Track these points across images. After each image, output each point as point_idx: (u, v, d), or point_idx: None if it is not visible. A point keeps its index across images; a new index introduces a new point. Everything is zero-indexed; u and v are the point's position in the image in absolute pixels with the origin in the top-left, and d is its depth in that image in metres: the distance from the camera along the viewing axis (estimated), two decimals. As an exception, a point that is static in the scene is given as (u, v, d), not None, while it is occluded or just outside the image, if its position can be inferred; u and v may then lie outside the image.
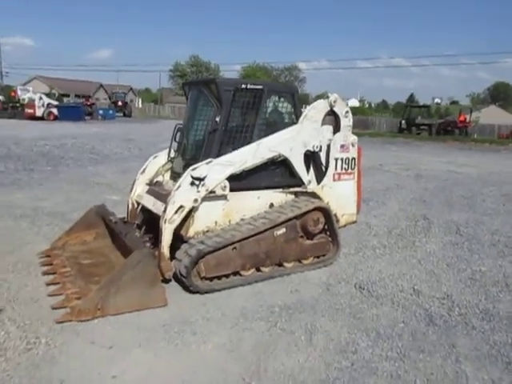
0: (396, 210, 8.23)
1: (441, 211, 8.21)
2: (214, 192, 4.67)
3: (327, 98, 5.33)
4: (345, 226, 5.78)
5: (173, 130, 5.42)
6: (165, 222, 4.45)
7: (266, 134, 5.01)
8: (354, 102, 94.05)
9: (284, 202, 5.24)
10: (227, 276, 4.71)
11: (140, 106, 58.53)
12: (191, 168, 4.56)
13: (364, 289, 4.69)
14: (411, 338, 3.72)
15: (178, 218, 4.50)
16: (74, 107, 33.99)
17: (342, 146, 5.52)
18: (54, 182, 10.27)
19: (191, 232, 4.71)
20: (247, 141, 4.91)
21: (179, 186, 4.51)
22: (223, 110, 4.75)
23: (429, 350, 3.53)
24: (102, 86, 64.36)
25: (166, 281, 4.58)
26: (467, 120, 29.75)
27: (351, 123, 5.58)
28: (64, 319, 3.81)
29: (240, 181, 4.90)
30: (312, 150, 5.25)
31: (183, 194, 4.50)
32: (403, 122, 30.90)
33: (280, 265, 5.07)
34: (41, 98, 32.81)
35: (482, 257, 5.76)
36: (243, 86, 4.84)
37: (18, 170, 11.70)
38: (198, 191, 4.56)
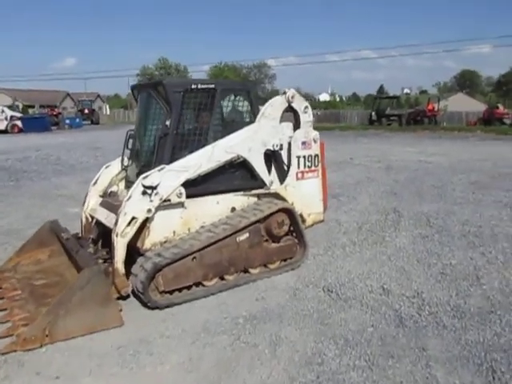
0: (366, 205, 8.10)
1: (411, 203, 8.12)
2: (168, 200, 4.40)
3: (284, 93, 5.12)
4: (312, 225, 5.59)
5: (125, 137, 5.13)
6: (116, 236, 4.15)
7: (223, 136, 4.77)
8: (325, 96, 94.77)
9: (246, 206, 5.01)
10: (189, 288, 4.45)
11: (108, 112, 57.34)
12: (142, 176, 4.27)
13: (332, 292, 4.50)
14: (380, 343, 3.54)
15: (131, 231, 4.21)
16: (38, 118, 33.00)
17: (304, 143, 5.32)
18: (15, 198, 9.79)
19: (147, 244, 4.43)
20: (202, 144, 4.65)
21: (130, 197, 4.22)
22: (173, 112, 4.48)
23: (398, 355, 3.35)
24: (68, 94, 62.88)
25: (123, 298, 4.30)
26: (435, 109, 30.11)
27: (311, 118, 5.38)
28: (8, 350, 3.48)
29: (197, 186, 4.64)
30: (272, 148, 5.03)
31: (135, 205, 4.22)
32: (373, 113, 31.05)
33: (245, 271, 4.84)
34: (3, 111, 31.73)
35: (453, 249, 5.65)
36: (193, 86, 4.57)
37: (-25, 187, 11.14)
38: (151, 200, 4.28)
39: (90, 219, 5.16)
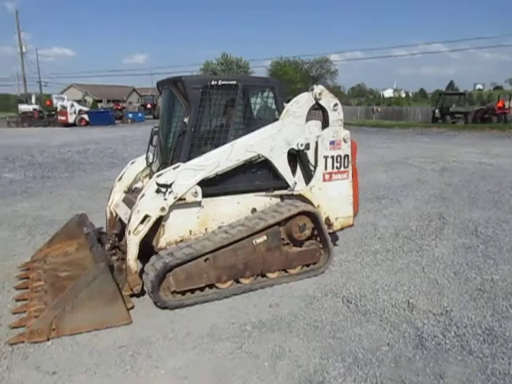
0: (410, 209, 7.58)
1: (460, 209, 7.48)
2: (184, 199, 4.32)
3: (312, 90, 4.85)
4: (341, 229, 5.29)
5: (150, 133, 5.12)
6: (129, 234, 4.14)
7: (245, 134, 4.61)
8: (390, 93, 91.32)
9: (267, 207, 4.82)
10: (202, 289, 4.35)
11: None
12: (156, 174, 4.22)
13: (351, 303, 4.20)
14: (393, 365, 3.22)
15: (144, 229, 4.18)
16: (103, 112, 34.73)
17: (332, 143, 5.02)
18: (65, 189, 10.28)
19: (162, 242, 4.38)
20: (222, 142, 4.52)
21: (143, 195, 4.19)
22: (191, 109, 4.38)
23: (410, 381, 3.02)
24: (134, 90, 65.61)
25: (137, 295, 4.30)
26: (506, 106, 27.83)
27: (341, 117, 5.06)
28: (16, 341, 3.58)
29: (215, 185, 4.53)
30: (297, 148, 4.79)
31: (148, 203, 4.17)
32: (437, 111, 29.33)
33: (263, 275, 4.66)
34: (72, 105, 33.71)
35: (498, 263, 5.09)
36: (213, 82, 4.44)
37: (35, 178, 11.84)
38: (165, 199, 4.22)
39: (114, 214, 5.22)
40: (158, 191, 4.19)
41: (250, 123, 4.75)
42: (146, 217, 4.17)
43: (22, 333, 3.64)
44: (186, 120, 4.40)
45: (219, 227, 4.59)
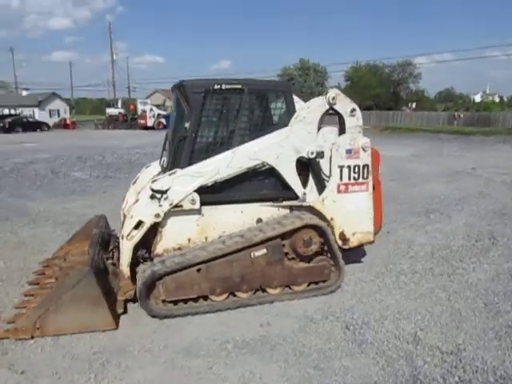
0: (459, 225, 6.79)
1: (520, 228, 6.55)
2: (180, 206, 4.20)
3: (326, 94, 4.49)
4: (359, 246, 4.83)
5: (164, 138, 5.09)
6: (122, 238, 4.11)
7: (251, 140, 4.39)
8: (477, 98, 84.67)
9: (273, 218, 4.54)
10: (195, 300, 4.20)
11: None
12: (152, 179, 4.16)
13: (350, 329, 3.78)
14: (368, 409, 2.81)
15: (138, 234, 4.12)
16: (179, 116, 36.18)
17: (349, 151, 4.60)
18: (118, 190, 10.71)
19: (159, 249, 4.31)
20: (226, 149, 4.33)
21: (137, 200, 4.14)
22: (192, 114, 4.25)
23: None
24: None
25: (135, 300, 4.26)
26: None
27: (360, 123, 4.63)
28: (2, 336, 3.69)
29: (216, 193, 4.36)
30: (307, 156, 4.46)
31: (142, 209, 4.12)
32: (529, 117, 26.55)
33: (263, 290, 4.39)
34: (151, 110, 35.65)
35: (544, 297, 4.32)
36: (216, 86, 4.27)
37: (98, 177, 12.56)
38: (160, 205, 4.13)
39: (127, 217, 5.26)
40: (152, 197, 4.11)
41: (258, 129, 4.51)
42: (140, 222, 4.12)
43: (9, 329, 3.74)
44: (186, 125, 4.29)
45: (220, 236, 4.41)
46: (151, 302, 4.05)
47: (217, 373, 3.23)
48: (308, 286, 4.52)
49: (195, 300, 4.20)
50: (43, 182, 11.81)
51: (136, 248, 4.18)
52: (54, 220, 7.66)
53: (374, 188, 4.79)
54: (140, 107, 36.73)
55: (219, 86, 4.28)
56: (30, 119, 39.46)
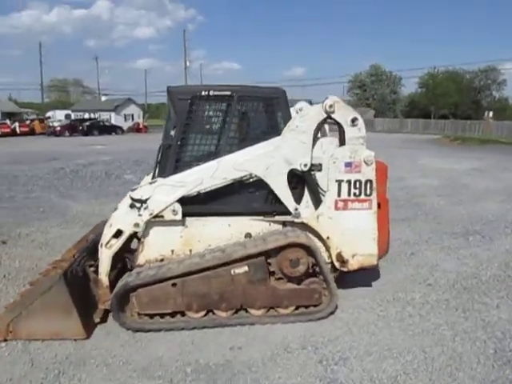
0: (499, 252, 5.97)
1: None
2: (161, 216, 4.06)
3: (323, 101, 4.12)
4: (360, 269, 4.37)
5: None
6: (101, 247, 4.06)
7: (241, 150, 4.15)
8: None
9: (263, 234, 4.25)
10: (173, 315, 4.03)
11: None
12: (132, 188, 4.06)
13: (323, 364, 3.38)
14: None
15: (117, 243, 4.05)
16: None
17: (349, 165, 4.19)
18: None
19: (141, 259, 4.21)
20: (213, 158, 4.14)
21: (116, 209, 4.06)
22: (178, 121, 4.11)
23: None
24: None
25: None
26: None
27: (363, 134, 4.20)
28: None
29: (201, 204, 4.17)
30: (300, 169, 4.12)
31: (121, 217, 4.04)
32: None
33: (246, 310, 4.11)
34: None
35: None
36: (204, 93, 4.09)
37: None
38: (140, 214, 4.02)
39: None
40: (132, 206, 4.02)
41: (248, 139, 4.26)
42: (119, 231, 4.04)
43: (-14, 329, 3.81)
44: (172, 133, 4.16)
45: (205, 249, 4.21)
46: (127, 313, 3.95)
47: (161, 399, 3.02)
48: (297, 309, 4.16)
49: (172, 315, 4.03)
50: (94, 184, 12.41)
51: (116, 257, 4.12)
52: (85, 221, 7.92)
53: (379, 206, 4.32)
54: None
55: (207, 93, 4.10)
56: (106, 123, 42.24)
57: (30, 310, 3.74)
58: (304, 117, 4.10)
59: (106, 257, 4.04)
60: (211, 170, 4.04)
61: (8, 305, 4.25)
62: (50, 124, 42.09)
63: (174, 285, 3.92)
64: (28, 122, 40.87)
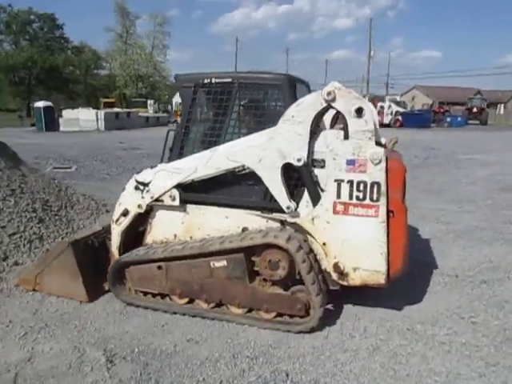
0: None
1: None
2: (161, 201, 4.21)
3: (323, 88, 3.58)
4: (365, 287, 3.74)
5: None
6: (112, 222, 4.44)
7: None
8: None
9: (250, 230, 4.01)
10: (163, 297, 4.17)
11: (502, 112, 51.18)
12: (137, 171, 4.30)
13: None
14: None
15: (125, 221, 4.37)
16: (418, 114, 33.79)
17: (351, 163, 3.58)
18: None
19: (149, 239, 4.44)
20: (214, 145, 4.07)
21: (124, 189, 4.36)
22: (182, 108, 4.16)
23: None
24: (479, 92, 59.82)
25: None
26: None
27: (370, 127, 3.50)
28: (15, 283, 4.55)
29: (198, 192, 4.15)
30: (294, 163, 3.70)
31: (127, 197, 4.32)
32: None
33: (227, 307, 3.96)
34: (390, 106, 34.45)
35: None
36: (206, 80, 4.02)
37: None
38: (143, 197, 4.24)
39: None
40: (136, 188, 4.26)
41: (249, 127, 4.02)
42: (127, 210, 4.34)
43: (19, 278, 4.60)
44: (178, 120, 4.23)
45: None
46: (125, 287, 4.25)
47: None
48: (279, 316, 3.80)
49: (162, 297, 4.17)
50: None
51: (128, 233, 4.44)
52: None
53: (392, 214, 3.58)
54: (379, 103, 35.98)
55: (209, 80, 4.02)
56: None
57: (49, 268, 4.37)
58: (300, 105, 3.64)
59: (116, 232, 4.40)
60: (205, 159, 3.97)
61: (37, 260, 4.97)
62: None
63: (159, 267, 4.04)
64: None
